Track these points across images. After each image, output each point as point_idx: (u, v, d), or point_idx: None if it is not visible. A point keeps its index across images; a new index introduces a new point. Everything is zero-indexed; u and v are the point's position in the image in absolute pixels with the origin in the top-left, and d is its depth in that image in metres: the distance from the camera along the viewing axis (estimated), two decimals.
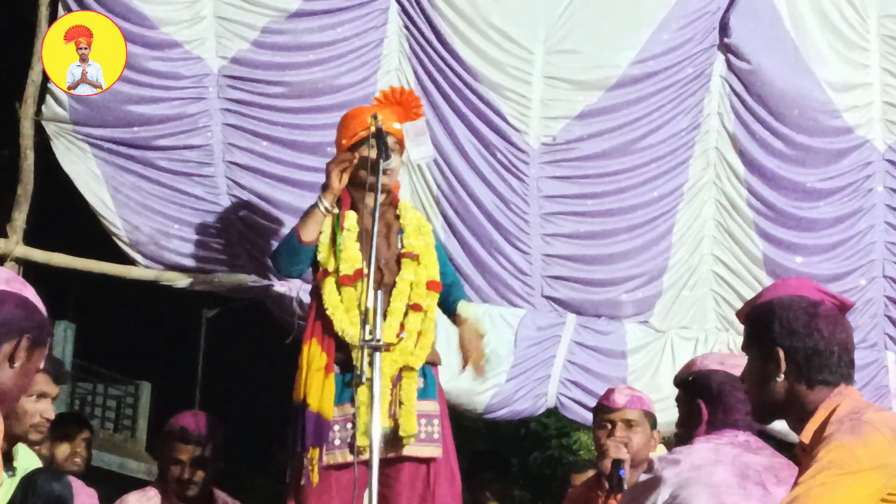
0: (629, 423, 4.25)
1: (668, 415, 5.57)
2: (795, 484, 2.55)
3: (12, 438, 3.59)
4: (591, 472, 5.30)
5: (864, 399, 2.74)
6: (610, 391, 4.43)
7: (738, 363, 3.48)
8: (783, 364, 2.69)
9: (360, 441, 4.05)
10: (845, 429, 2.54)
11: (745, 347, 2.82)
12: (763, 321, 2.76)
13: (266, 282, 5.30)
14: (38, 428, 3.61)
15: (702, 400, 3.43)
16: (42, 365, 2.62)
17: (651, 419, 4.35)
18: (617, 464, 4.05)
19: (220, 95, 5.35)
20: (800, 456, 2.66)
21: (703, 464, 3.19)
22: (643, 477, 3.33)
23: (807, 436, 2.63)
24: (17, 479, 3.64)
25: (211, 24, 5.35)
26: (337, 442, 4.13)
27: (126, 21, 5.09)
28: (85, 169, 5.19)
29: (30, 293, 2.51)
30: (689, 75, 5.95)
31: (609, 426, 4.26)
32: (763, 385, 2.73)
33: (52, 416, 3.63)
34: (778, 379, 2.70)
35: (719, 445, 3.27)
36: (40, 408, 3.58)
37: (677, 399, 3.63)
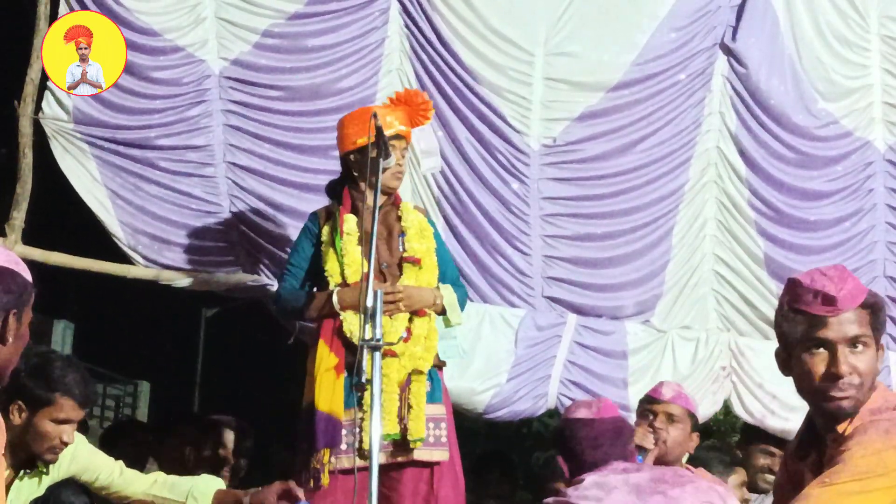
0: (670, 417, 4.30)
1: None
2: (815, 482, 2.49)
3: (27, 454, 3.55)
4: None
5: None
6: (659, 384, 4.50)
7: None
8: (883, 356, 2.66)
9: (366, 444, 4.02)
10: (881, 427, 2.50)
11: (860, 338, 2.62)
12: (884, 313, 2.68)
13: (265, 281, 5.28)
14: (54, 450, 3.55)
15: (560, 455, 3.65)
16: (30, 312, 2.59)
17: (693, 420, 4.38)
18: (639, 450, 4.03)
19: (222, 97, 5.34)
20: (829, 443, 2.61)
21: (597, 497, 3.21)
22: None
23: (843, 426, 2.57)
24: (39, 479, 3.62)
25: (212, 25, 5.34)
26: (344, 447, 4.11)
27: (129, 30, 5.08)
28: (83, 171, 5.18)
29: (1, 259, 2.45)
30: (690, 75, 5.94)
31: (651, 416, 4.30)
32: (874, 380, 2.63)
33: (71, 440, 3.56)
34: (878, 371, 2.65)
35: (602, 478, 3.29)
36: (62, 430, 3.53)
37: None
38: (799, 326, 2.63)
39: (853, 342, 2.60)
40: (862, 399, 2.59)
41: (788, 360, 2.68)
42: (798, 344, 2.64)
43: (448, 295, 4.37)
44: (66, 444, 3.55)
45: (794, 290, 2.67)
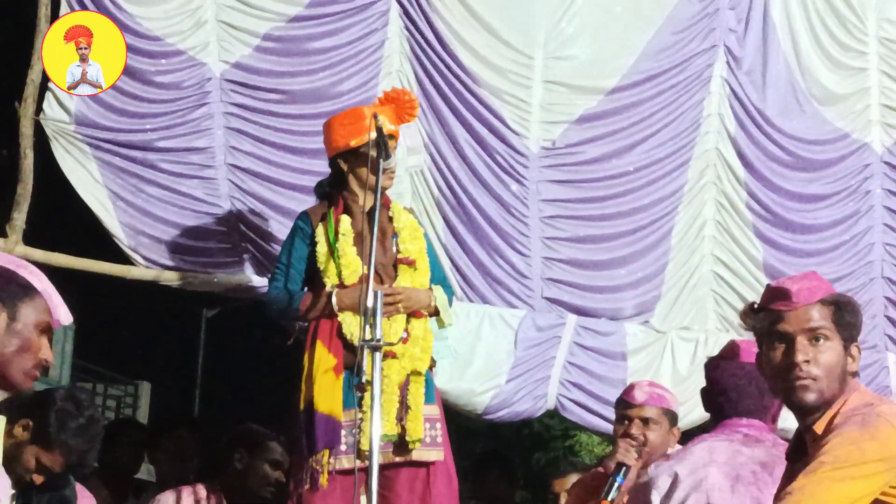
0: (646, 421, 4.19)
1: None
2: (800, 474, 2.54)
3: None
4: (573, 477, 5.33)
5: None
6: (632, 386, 4.37)
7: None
8: (859, 359, 2.71)
9: (365, 445, 4.03)
10: (855, 421, 2.55)
11: (818, 331, 2.68)
12: (852, 314, 2.72)
13: (265, 282, 5.29)
14: (20, 481, 3.43)
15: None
16: (44, 320, 2.55)
17: (670, 416, 4.27)
18: (620, 468, 3.99)
19: (223, 100, 5.35)
20: (809, 444, 2.66)
21: (696, 466, 3.19)
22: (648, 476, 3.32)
23: (820, 427, 2.62)
24: None
25: (213, 27, 5.36)
26: (344, 448, 4.12)
27: (130, 35, 5.09)
28: (84, 172, 5.19)
29: None
30: (689, 77, 5.96)
31: (626, 422, 4.21)
32: (842, 376, 2.68)
33: (37, 483, 3.49)
34: (850, 372, 2.69)
35: (714, 443, 3.25)
36: (36, 471, 3.45)
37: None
38: (762, 323, 2.73)
39: (812, 335, 2.67)
40: (826, 392, 2.65)
41: (761, 359, 2.77)
42: (763, 341, 2.74)
43: (440, 296, 4.38)
44: (29, 482, 3.48)
45: (763, 293, 2.78)
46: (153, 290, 5.66)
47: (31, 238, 5.06)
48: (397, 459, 4.17)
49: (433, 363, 4.39)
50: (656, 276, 5.89)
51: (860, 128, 6.18)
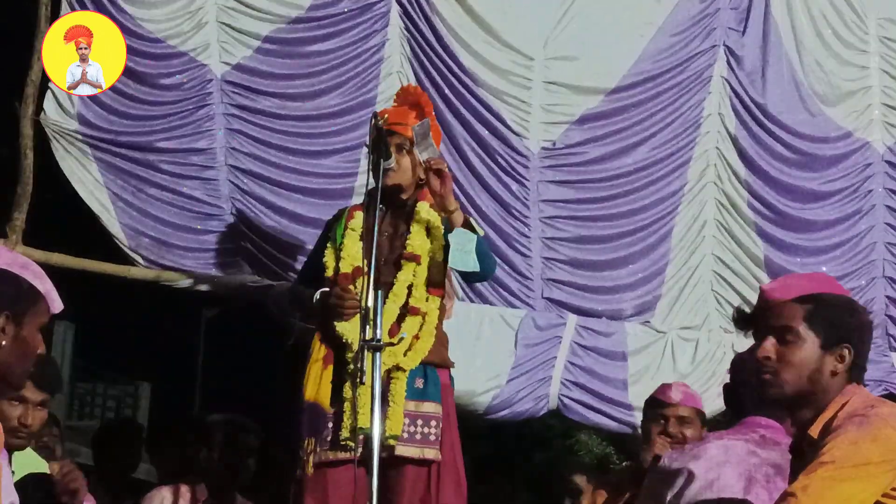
0: (682, 420, 4.29)
1: None
2: (800, 475, 2.54)
3: None
4: (578, 477, 5.33)
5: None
6: (665, 387, 4.45)
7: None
8: (848, 361, 2.68)
9: (344, 434, 4.04)
10: (854, 422, 2.55)
11: (787, 330, 2.68)
12: (837, 314, 2.70)
13: (266, 282, 5.30)
14: (17, 433, 3.42)
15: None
16: (44, 320, 2.58)
17: (701, 416, 4.38)
18: (658, 460, 4.01)
19: (224, 101, 5.35)
20: (805, 448, 2.66)
21: (710, 465, 3.18)
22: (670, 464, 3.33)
23: (815, 430, 2.63)
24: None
25: (213, 29, 5.36)
26: (330, 439, 4.12)
27: (131, 37, 5.08)
28: (85, 172, 5.18)
29: (1, 262, 2.46)
30: (689, 77, 5.97)
31: (662, 421, 4.28)
32: (816, 374, 2.68)
33: (28, 421, 3.44)
34: (835, 373, 2.67)
35: (731, 442, 3.24)
36: (17, 413, 3.42)
37: None
38: (748, 322, 2.78)
39: (781, 333, 2.68)
40: (790, 390, 2.66)
41: None
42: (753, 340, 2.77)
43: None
44: (24, 426, 3.42)
45: None
46: (153, 290, 5.65)
47: (31, 238, 5.06)
48: (382, 455, 4.09)
49: (451, 364, 4.33)
50: (656, 276, 5.89)
51: (862, 126, 6.19)
